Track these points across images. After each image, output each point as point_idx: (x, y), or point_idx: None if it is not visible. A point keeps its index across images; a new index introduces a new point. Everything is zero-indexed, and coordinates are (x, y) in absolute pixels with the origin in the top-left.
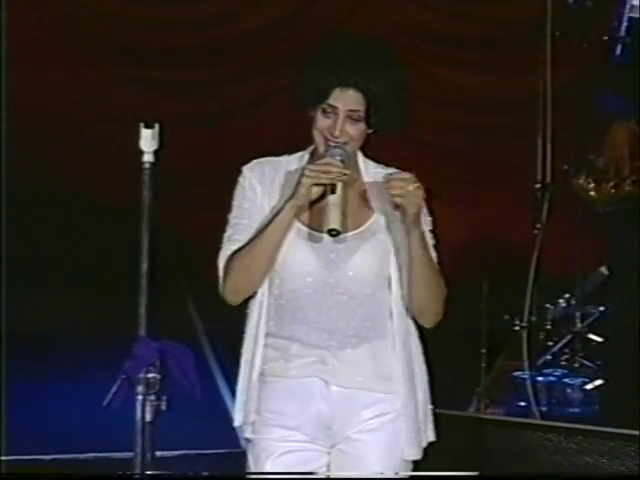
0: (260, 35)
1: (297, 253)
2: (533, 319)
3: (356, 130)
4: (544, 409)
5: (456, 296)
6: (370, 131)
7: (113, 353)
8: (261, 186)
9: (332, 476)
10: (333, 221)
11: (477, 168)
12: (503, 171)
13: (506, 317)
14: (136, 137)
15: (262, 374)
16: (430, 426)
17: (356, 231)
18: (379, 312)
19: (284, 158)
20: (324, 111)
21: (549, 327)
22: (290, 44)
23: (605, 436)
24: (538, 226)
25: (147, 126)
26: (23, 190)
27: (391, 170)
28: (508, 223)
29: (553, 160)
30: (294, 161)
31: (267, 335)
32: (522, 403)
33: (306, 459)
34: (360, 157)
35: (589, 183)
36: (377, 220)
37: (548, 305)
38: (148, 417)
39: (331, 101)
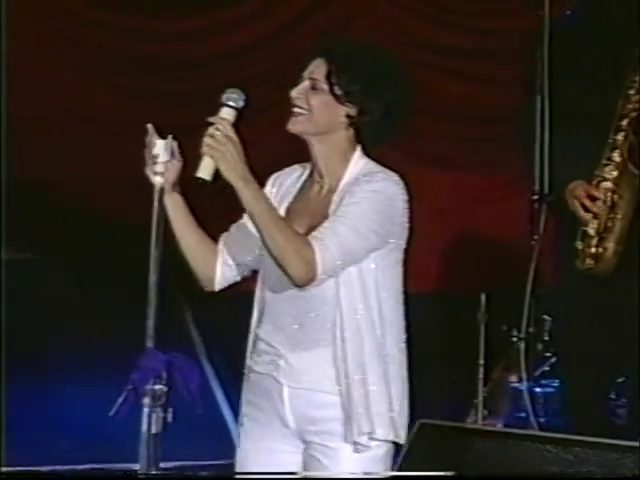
0: (253, 48)
1: (264, 257)
2: (531, 330)
3: (316, 100)
4: (542, 420)
5: (454, 307)
6: (352, 111)
7: (119, 364)
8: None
9: (328, 476)
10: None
11: (474, 178)
12: (500, 182)
13: (504, 328)
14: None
15: (247, 366)
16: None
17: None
18: (337, 315)
19: (298, 165)
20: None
21: (547, 338)
22: (283, 58)
23: (603, 447)
24: (536, 237)
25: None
26: (28, 203)
27: (377, 169)
28: (506, 234)
29: (551, 171)
30: (306, 168)
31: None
32: (520, 414)
33: (276, 450)
34: (357, 154)
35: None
36: None
37: (546, 316)
38: (154, 429)
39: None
